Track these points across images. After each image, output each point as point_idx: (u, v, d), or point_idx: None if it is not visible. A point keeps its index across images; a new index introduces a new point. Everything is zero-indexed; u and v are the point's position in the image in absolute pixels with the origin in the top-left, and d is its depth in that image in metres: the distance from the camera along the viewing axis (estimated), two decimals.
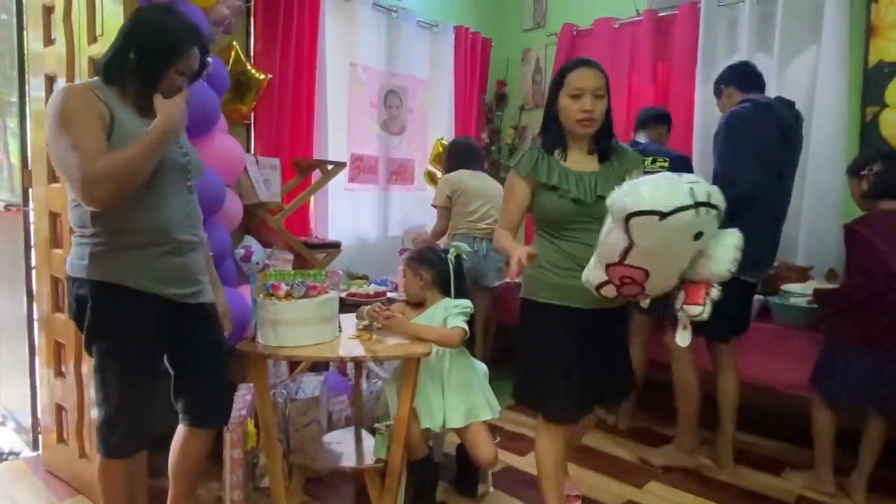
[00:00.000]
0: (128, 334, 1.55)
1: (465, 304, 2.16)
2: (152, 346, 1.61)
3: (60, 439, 2.31)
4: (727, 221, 2.20)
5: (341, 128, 3.45)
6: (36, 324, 2.48)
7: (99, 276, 1.52)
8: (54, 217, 2.23)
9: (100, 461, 1.64)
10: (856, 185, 2.38)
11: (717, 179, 2.26)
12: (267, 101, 3.00)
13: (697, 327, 2.40)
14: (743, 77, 2.49)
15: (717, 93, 2.60)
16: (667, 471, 2.55)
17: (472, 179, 3.19)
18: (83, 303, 1.54)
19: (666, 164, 2.63)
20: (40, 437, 2.51)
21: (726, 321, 2.36)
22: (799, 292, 2.62)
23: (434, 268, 2.21)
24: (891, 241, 2.18)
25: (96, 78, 1.57)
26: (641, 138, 2.86)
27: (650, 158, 2.65)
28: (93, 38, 2.00)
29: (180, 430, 1.77)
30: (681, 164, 2.64)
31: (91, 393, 2.09)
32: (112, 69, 1.54)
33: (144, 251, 1.54)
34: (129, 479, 1.69)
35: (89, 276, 1.53)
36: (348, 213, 3.52)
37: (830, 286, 2.52)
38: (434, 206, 3.26)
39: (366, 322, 2.09)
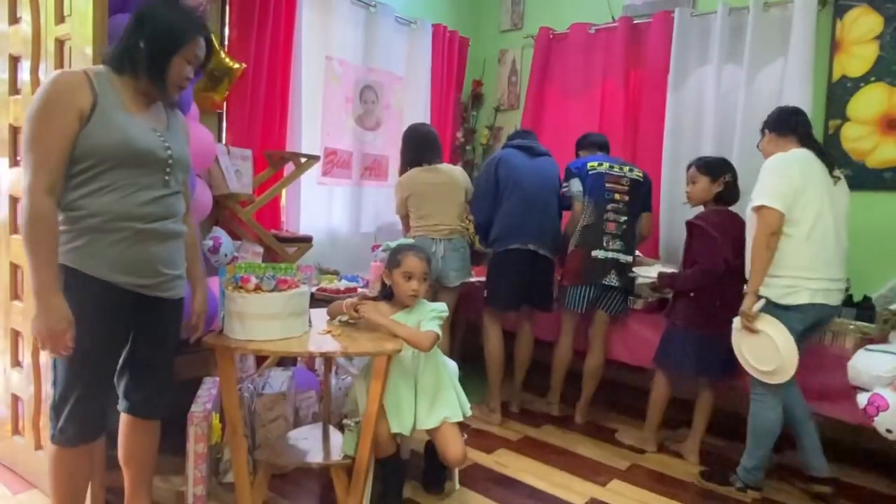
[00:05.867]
0: (77, 320, 1.50)
1: (442, 307, 2.16)
2: (104, 335, 1.57)
3: (16, 431, 2.24)
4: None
5: (315, 121, 3.41)
6: None
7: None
8: (14, 202, 2.15)
9: (49, 448, 1.64)
10: (708, 182, 2.61)
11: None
12: (240, 90, 2.95)
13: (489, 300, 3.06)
14: (517, 135, 3.31)
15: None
16: (629, 469, 2.61)
17: (426, 178, 3.06)
18: None
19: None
20: None
21: (512, 290, 3.01)
22: (643, 275, 2.96)
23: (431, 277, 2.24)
24: (723, 234, 2.50)
25: (102, 66, 1.59)
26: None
27: (607, 164, 3.01)
28: (60, 19, 1.93)
29: (123, 419, 1.77)
30: None
31: (49, 385, 2.05)
32: (123, 59, 1.58)
33: (100, 236, 1.53)
34: (80, 473, 1.66)
35: None
36: (320, 208, 3.49)
37: (672, 270, 2.79)
38: (397, 215, 3.23)
39: (346, 318, 2.07)
